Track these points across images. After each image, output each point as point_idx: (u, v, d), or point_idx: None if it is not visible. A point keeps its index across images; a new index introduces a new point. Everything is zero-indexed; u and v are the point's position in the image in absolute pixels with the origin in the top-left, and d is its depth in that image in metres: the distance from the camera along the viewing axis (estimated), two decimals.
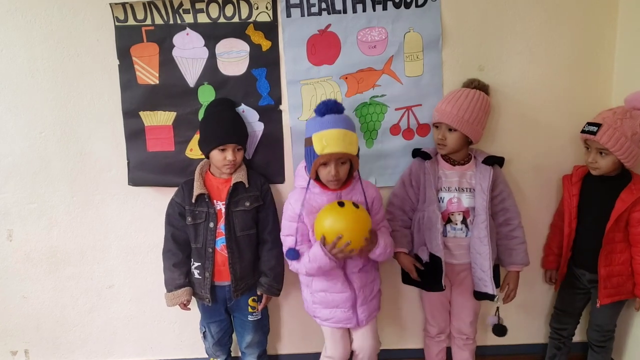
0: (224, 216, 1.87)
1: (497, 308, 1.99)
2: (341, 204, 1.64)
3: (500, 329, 2.00)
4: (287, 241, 1.78)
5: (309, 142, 1.69)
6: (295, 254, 1.74)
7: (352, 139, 1.67)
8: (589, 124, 1.81)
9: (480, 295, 1.89)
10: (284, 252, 1.79)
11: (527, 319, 2.29)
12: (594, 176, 1.89)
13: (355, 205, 1.65)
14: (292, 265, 1.78)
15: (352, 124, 1.72)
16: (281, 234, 1.83)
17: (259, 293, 1.98)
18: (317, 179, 1.74)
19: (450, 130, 1.83)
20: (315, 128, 1.67)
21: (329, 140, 1.63)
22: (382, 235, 1.75)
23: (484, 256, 1.83)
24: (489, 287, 1.83)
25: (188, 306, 1.96)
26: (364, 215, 1.65)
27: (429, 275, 1.88)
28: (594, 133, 1.76)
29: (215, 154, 1.85)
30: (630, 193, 1.80)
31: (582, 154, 1.92)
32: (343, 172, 1.70)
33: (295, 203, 1.76)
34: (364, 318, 1.84)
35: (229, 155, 1.83)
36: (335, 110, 1.70)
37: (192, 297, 1.96)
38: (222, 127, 1.86)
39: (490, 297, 1.85)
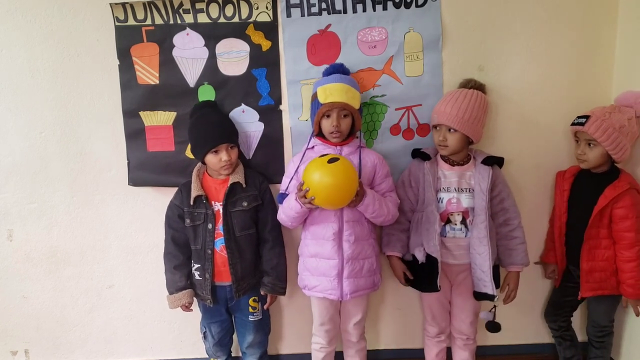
0: (222, 217, 1.87)
1: (494, 306, 1.99)
2: (325, 157, 1.68)
3: (493, 326, 2.00)
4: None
5: (314, 97, 1.83)
6: (283, 199, 1.84)
7: (354, 94, 1.80)
8: (579, 117, 1.85)
9: (480, 296, 1.89)
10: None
11: (528, 318, 2.29)
12: (584, 173, 1.92)
13: (334, 159, 1.65)
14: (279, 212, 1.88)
15: (355, 84, 1.86)
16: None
17: (262, 293, 1.97)
18: (320, 135, 1.86)
19: (450, 131, 1.83)
20: (320, 83, 1.83)
21: (332, 90, 1.77)
22: (371, 192, 1.78)
23: (483, 256, 1.82)
24: (489, 288, 1.83)
25: (190, 308, 1.96)
26: (337, 172, 1.63)
27: (424, 275, 1.88)
28: (582, 124, 1.80)
29: (210, 157, 1.84)
30: (613, 189, 1.81)
31: None
32: (344, 125, 1.80)
33: (296, 160, 1.87)
34: (348, 292, 1.84)
35: (223, 156, 1.83)
36: (341, 71, 1.87)
37: (194, 298, 1.96)
38: (210, 129, 1.85)
39: (490, 298, 1.85)
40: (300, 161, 1.85)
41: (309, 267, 1.90)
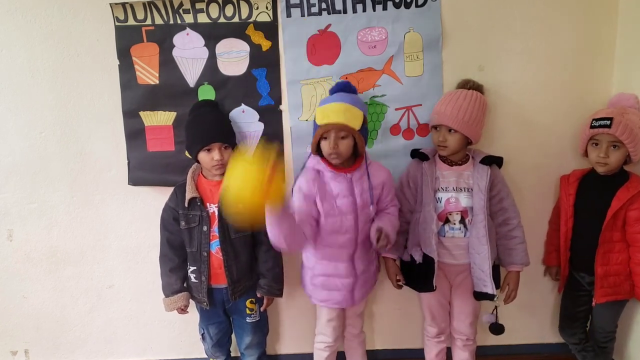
0: (217, 219, 1.85)
1: (496, 307, 1.98)
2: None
3: (497, 328, 1.99)
4: None
5: (314, 118, 1.76)
6: None
7: (354, 113, 1.68)
8: (597, 119, 1.81)
9: (480, 296, 1.88)
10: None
11: (528, 319, 2.29)
12: (591, 176, 1.91)
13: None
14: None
15: (359, 102, 1.75)
16: None
17: (259, 295, 1.96)
18: (320, 154, 1.77)
19: (450, 131, 1.83)
20: (321, 104, 1.76)
21: (329, 112, 1.68)
22: (392, 231, 1.77)
23: (483, 256, 1.82)
24: (489, 287, 1.83)
25: (186, 310, 1.95)
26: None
27: (421, 275, 1.88)
28: (608, 126, 1.76)
29: (203, 155, 1.83)
30: (626, 191, 1.80)
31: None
32: (343, 147, 1.69)
33: (307, 183, 1.74)
34: (359, 298, 1.90)
35: (215, 155, 1.81)
36: (346, 90, 1.78)
37: (191, 299, 1.96)
38: (205, 127, 1.84)
39: (490, 297, 1.84)
40: (317, 186, 1.74)
41: (317, 283, 1.88)
